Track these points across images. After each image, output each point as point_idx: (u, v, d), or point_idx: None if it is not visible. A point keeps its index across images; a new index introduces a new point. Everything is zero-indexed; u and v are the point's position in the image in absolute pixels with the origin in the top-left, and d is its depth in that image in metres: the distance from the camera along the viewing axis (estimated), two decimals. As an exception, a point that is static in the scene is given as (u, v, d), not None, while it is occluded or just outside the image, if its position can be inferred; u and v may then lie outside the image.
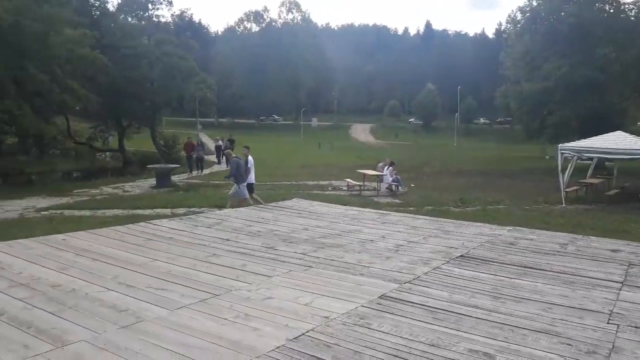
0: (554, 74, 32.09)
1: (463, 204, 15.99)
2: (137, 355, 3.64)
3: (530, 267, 6.40)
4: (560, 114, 33.59)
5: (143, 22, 40.23)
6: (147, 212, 13.03)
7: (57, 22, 22.92)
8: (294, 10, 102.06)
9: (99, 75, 28.48)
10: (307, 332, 4.14)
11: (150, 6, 39.69)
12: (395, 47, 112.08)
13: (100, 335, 3.98)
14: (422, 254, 7.04)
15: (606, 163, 25.90)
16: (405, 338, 4.08)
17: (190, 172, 26.40)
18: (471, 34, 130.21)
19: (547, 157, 40.39)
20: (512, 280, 5.83)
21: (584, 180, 20.83)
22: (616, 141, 17.96)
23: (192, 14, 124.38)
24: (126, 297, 4.94)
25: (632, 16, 35.46)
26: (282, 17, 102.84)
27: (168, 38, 38.46)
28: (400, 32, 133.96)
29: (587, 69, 30.81)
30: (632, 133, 20.90)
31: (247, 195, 12.74)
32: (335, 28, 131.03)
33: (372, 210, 11.96)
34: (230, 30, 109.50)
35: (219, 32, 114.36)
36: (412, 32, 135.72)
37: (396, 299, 5.07)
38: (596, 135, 19.14)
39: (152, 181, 20.93)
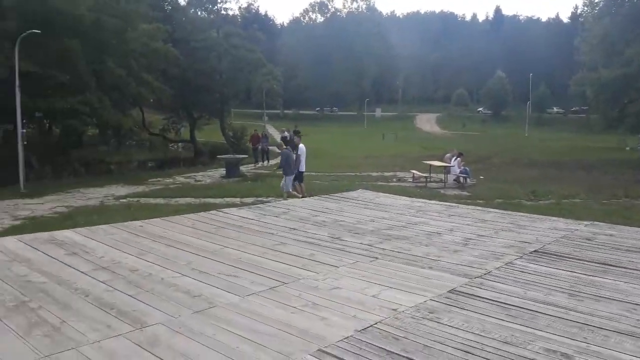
0: (637, 58, 29.90)
1: (535, 197, 15.30)
2: (210, 339, 3.77)
3: (610, 265, 6.04)
4: (643, 102, 31.35)
5: (212, 16, 41.29)
6: (218, 200, 13.40)
7: (134, 18, 24.00)
8: (358, 0, 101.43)
9: (171, 68, 29.58)
10: (376, 323, 4.13)
11: (218, 0, 40.66)
12: (462, 34, 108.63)
13: (175, 319, 4.16)
14: (493, 249, 6.82)
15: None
16: (477, 334, 3.97)
17: (256, 163, 26.93)
18: (544, 18, 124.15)
19: (628, 148, 37.90)
20: (591, 277, 5.53)
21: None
22: None
23: (258, 7, 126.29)
24: (199, 282, 5.13)
25: None
26: (346, 6, 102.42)
27: (236, 31, 39.31)
28: (468, 18, 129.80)
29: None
30: None
31: (290, 189, 12.64)
32: (400, 16, 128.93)
33: (438, 202, 11.73)
34: (295, 22, 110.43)
35: (285, 24, 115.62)
36: (481, 18, 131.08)
37: (466, 293, 4.95)
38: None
39: (222, 171, 21.54)
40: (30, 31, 16.96)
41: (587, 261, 6.20)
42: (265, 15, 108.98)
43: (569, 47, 51.80)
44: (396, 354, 3.59)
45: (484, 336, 3.93)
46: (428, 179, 18.32)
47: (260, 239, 7.18)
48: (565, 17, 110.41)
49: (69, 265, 5.60)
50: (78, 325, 3.94)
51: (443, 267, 5.93)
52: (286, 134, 33.43)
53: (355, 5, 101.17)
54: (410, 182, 19.06)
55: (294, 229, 7.90)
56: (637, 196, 16.28)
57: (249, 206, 10.68)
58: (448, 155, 20.33)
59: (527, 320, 4.28)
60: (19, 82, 16.61)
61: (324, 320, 4.19)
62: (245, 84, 38.97)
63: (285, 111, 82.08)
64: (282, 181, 12.69)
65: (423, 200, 11.90)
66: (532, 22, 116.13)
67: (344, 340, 3.80)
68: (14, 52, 16.86)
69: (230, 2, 50.26)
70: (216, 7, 40.47)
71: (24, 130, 17.31)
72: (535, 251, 6.70)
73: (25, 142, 17.00)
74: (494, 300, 4.74)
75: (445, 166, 19.05)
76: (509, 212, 10.18)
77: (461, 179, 18.57)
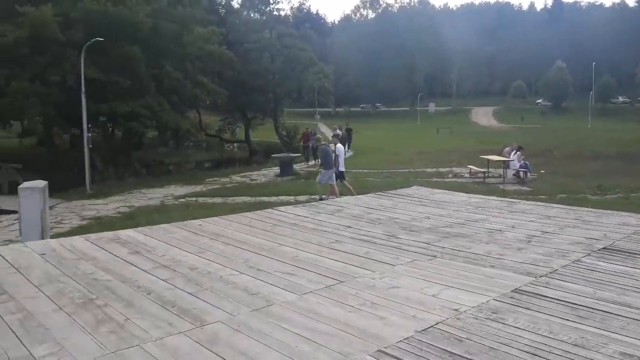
0: None
1: (601, 192, 14.56)
2: (269, 338, 3.77)
3: (691, 264, 5.62)
4: None
5: (264, 17, 41.85)
6: (272, 199, 13.57)
7: (190, 22, 24.71)
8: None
9: (226, 70, 30.24)
10: (436, 324, 4.00)
11: (271, 0, 41.12)
12: (519, 24, 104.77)
13: (234, 317, 4.19)
14: (558, 246, 6.50)
15: None
16: (545, 336, 3.77)
17: (307, 161, 27.07)
18: (607, 4, 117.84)
19: None
20: (670, 277, 5.16)
21: None
22: None
23: (309, 6, 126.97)
24: (257, 280, 5.16)
25: None
26: (398, 1, 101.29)
27: (288, 31, 39.68)
28: (525, 7, 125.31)
29: None
30: None
31: (334, 181, 12.58)
32: (454, 8, 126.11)
33: (498, 198, 11.35)
34: (346, 19, 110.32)
35: (335, 22, 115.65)
36: (539, 7, 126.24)
37: (532, 293, 4.73)
38: None
39: (276, 170, 21.82)
40: (94, 40, 17.76)
41: (664, 259, 5.80)
42: (317, 14, 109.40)
43: (636, 34, 48.91)
44: (459, 355, 3.46)
45: (552, 338, 3.73)
46: (486, 174, 17.79)
47: (316, 236, 7.17)
48: (631, 2, 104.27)
49: (131, 264, 5.78)
50: (141, 322, 4.05)
51: (506, 265, 5.71)
52: (338, 131, 33.36)
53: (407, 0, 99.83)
54: (467, 177, 18.59)
55: (349, 226, 7.84)
56: None
57: (303, 204, 10.71)
58: (507, 149, 19.68)
59: (598, 321, 4.04)
60: (84, 89, 17.43)
61: (383, 320, 4.11)
62: (297, 83, 39.27)
63: (337, 109, 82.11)
64: (319, 175, 12.71)
65: (482, 196, 11.54)
66: (595, 8, 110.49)
67: (404, 341, 3.70)
68: (80, 60, 17.71)
69: (282, 2, 50.90)
70: (268, 8, 41.02)
71: (90, 134, 18.16)
72: (604, 248, 6.33)
73: (90, 146, 17.83)
74: (561, 300, 4.51)
75: (504, 161, 18.45)
76: (574, 208, 9.70)
77: (521, 174, 17.93)
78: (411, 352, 3.51)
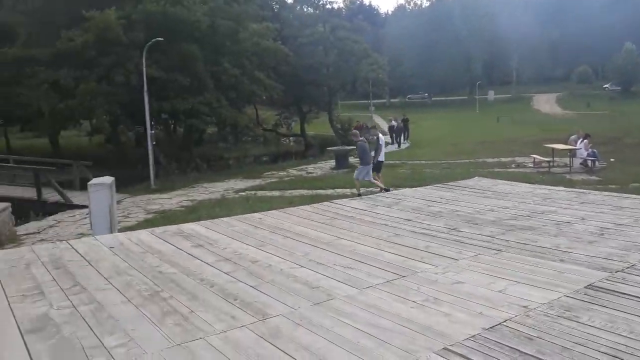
0: None
1: (680, 180, 13.56)
2: (330, 333, 3.74)
3: None
4: None
5: (317, 11, 41.80)
6: (329, 191, 13.54)
7: (245, 19, 25.04)
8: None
9: (281, 65, 30.44)
10: (505, 321, 3.84)
11: (325, -7, 41.05)
12: (583, 7, 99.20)
13: (295, 310, 4.19)
14: (635, 239, 6.10)
15: None
16: (624, 336, 3.54)
17: None
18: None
19: None
20: None
21: None
22: None
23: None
24: (317, 274, 5.15)
25: None
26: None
27: (341, 23, 39.43)
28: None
29: None
30: None
31: (371, 177, 12.30)
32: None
33: (565, 188, 10.81)
34: (400, 9, 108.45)
35: (389, 12, 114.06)
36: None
37: (607, 289, 4.45)
38: None
39: (332, 163, 21.77)
40: (154, 40, 18.34)
41: None
42: (370, 5, 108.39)
43: None
44: (530, 355, 3.30)
45: (633, 339, 3.49)
46: (551, 164, 17.01)
47: (374, 230, 7.08)
48: None
49: (195, 257, 5.92)
50: (205, 315, 4.12)
51: (577, 259, 5.41)
52: (393, 122, 33.10)
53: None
54: (531, 167, 17.84)
55: (408, 219, 7.69)
56: None
57: (361, 197, 10.62)
58: (573, 137, 18.71)
59: (686, 322, 3.74)
60: (146, 87, 18.05)
61: (448, 317, 3.98)
62: (352, 75, 38.99)
63: (392, 100, 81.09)
64: (356, 171, 12.50)
65: (548, 186, 11.04)
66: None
67: (471, 338, 3.57)
68: (142, 60, 18.35)
69: (334, -6, 50.85)
70: (321, 1, 40.93)
71: (153, 132, 18.79)
72: (688, 242, 5.88)
73: (154, 142, 18.45)
74: (642, 298, 4.21)
75: (570, 149, 17.57)
76: (651, 198, 9.09)
77: (589, 163, 17.01)
78: (479, 351, 3.38)
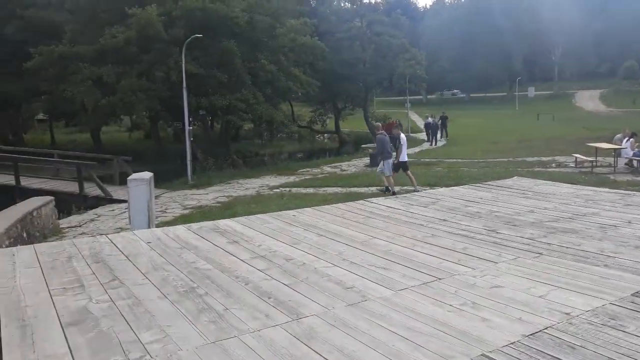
0: None
1: None
2: (365, 335, 3.69)
3: None
4: None
5: (355, 6, 41.55)
6: (363, 190, 13.45)
7: (283, 14, 25.14)
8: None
9: (317, 61, 30.43)
10: (546, 328, 3.70)
11: (362, -12, 40.75)
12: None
13: (329, 311, 4.15)
14: (686, 245, 5.81)
15: None
16: (675, 349, 3.35)
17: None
18: None
19: None
20: None
21: None
22: None
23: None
24: (351, 274, 5.10)
25: None
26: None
27: (379, 18, 39.12)
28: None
29: None
30: None
31: (391, 173, 12.07)
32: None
33: (610, 190, 10.41)
34: (438, 3, 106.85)
35: (427, 7, 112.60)
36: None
37: (656, 298, 4.24)
38: None
39: (366, 160, 21.63)
40: (194, 36, 18.60)
41: None
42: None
43: None
44: (573, 365, 3.17)
45: (685, 352, 3.31)
46: (594, 164, 16.43)
47: (409, 230, 6.98)
48: None
49: (230, 253, 5.96)
50: (240, 313, 4.13)
51: (622, 265, 5.19)
52: (430, 119, 32.66)
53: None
54: (572, 167, 17.28)
55: (444, 220, 7.55)
56: None
57: (396, 195, 10.50)
58: (618, 136, 18.01)
59: None
60: (185, 84, 18.34)
61: (486, 322, 3.87)
62: (389, 71, 38.62)
63: (429, 96, 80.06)
64: (380, 166, 12.28)
65: (591, 187, 10.66)
66: None
67: (510, 345, 3.45)
68: (181, 57, 18.66)
69: (372, -11, 50.43)
70: (358, -4, 40.60)
71: (191, 128, 19.07)
72: None
73: (192, 138, 18.74)
74: (694, 309, 4.00)
75: (615, 148, 16.92)
76: None
77: (635, 163, 16.35)
78: (518, 359, 3.27)
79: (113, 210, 13.42)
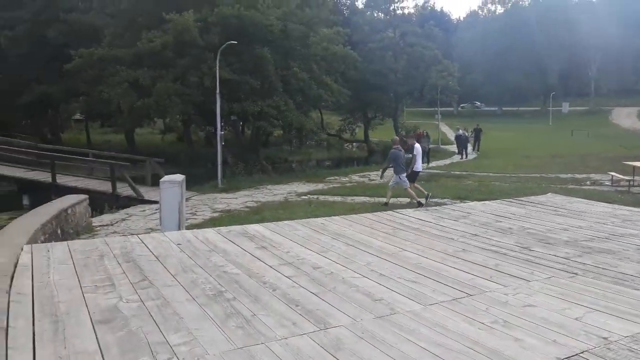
0: None
1: None
2: (393, 349, 3.62)
3: None
4: None
5: (388, 16, 41.59)
6: (391, 200, 13.34)
7: (316, 23, 25.32)
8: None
9: (349, 70, 30.50)
10: (582, 352, 3.57)
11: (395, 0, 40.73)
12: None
13: (357, 322, 4.10)
14: None
15: None
16: None
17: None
18: None
19: None
20: None
21: None
22: None
23: (434, 3, 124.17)
24: (379, 286, 5.04)
25: None
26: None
27: (412, 29, 39.05)
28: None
29: None
30: None
31: (408, 185, 12.11)
32: (594, 0, 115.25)
33: (649, 210, 10.06)
34: (472, 15, 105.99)
35: (461, 18, 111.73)
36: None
37: (700, 327, 4.06)
38: None
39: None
40: (228, 42, 18.87)
41: None
42: (441, 11, 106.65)
43: None
44: (612, 393, 3.04)
45: None
46: (631, 183, 15.95)
47: (440, 243, 6.87)
48: None
49: (258, 259, 5.97)
50: (267, 319, 4.12)
51: (663, 290, 4.98)
52: (460, 132, 32.27)
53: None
54: (608, 185, 16.82)
55: (476, 234, 7.41)
56: None
57: (426, 208, 10.38)
58: (658, 155, 17.47)
59: None
60: (219, 89, 18.59)
61: (518, 342, 3.76)
62: (420, 81, 38.47)
63: (460, 108, 79.24)
64: (392, 180, 12.33)
65: (628, 207, 10.33)
66: None
67: (544, 368, 3.35)
68: (215, 63, 18.94)
69: (406, 0, 50.03)
70: (392, 7, 40.62)
71: (223, 132, 19.30)
72: None
73: (223, 143, 18.97)
74: None
75: (654, 168, 16.41)
76: None
77: (676, 184, 15.81)
78: (553, 383, 3.16)
79: (144, 210, 13.64)
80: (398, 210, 9.88)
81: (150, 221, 11.95)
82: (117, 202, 15.03)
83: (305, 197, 14.96)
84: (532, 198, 11.15)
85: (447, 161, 28.24)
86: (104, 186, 16.30)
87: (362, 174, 22.38)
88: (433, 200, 12.63)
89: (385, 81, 36.06)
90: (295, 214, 10.86)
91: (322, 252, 6.34)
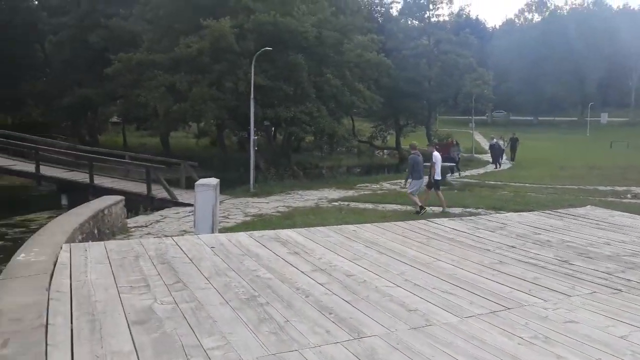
0: None
1: None
2: (429, 361, 3.54)
3: None
4: None
5: (422, 24, 41.33)
6: (438, 209, 13.12)
7: (351, 30, 25.32)
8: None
9: (382, 77, 30.38)
10: (629, 373, 3.42)
11: (431, 6, 40.41)
12: None
13: (392, 333, 4.03)
14: None
15: None
16: None
17: (452, 172, 25.77)
18: None
19: None
20: None
21: None
22: None
23: (469, 11, 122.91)
24: (414, 296, 4.94)
25: None
26: (569, 3, 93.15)
27: (447, 36, 38.63)
28: None
29: None
30: None
31: (414, 192, 12.01)
32: (635, 8, 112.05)
33: (696, 226, 9.63)
34: (508, 23, 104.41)
35: (496, 27, 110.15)
36: None
37: None
38: None
39: (426, 179, 21.25)
40: (263, 49, 19.04)
41: None
42: (476, 19, 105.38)
43: None
44: (662, 418, 2.89)
45: None
46: (676, 197, 15.35)
47: (475, 254, 6.72)
48: None
49: (291, 264, 5.95)
50: (300, 326, 4.08)
51: None
52: (495, 141, 31.67)
53: (579, 0, 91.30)
54: (651, 199, 16.22)
55: (513, 246, 7.22)
56: None
57: (460, 217, 10.19)
58: None
59: None
60: (253, 95, 18.75)
61: (560, 359, 3.62)
62: (454, 89, 38.00)
63: (494, 117, 78.01)
64: (410, 187, 12.23)
65: (674, 223, 9.91)
66: None
67: (589, 388, 3.21)
68: (250, 68, 19.13)
69: (441, 8, 49.40)
70: (427, 14, 40.33)
71: (256, 137, 19.46)
72: None
73: (256, 148, 19.11)
74: None
75: (701, 182, 15.74)
76: None
77: None
78: (599, 404, 3.03)
79: (178, 213, 13.83)
80: (431, 219, 9.73)
81: (184, 223, 12.10)
82: (152, 204, 15.28)
83: (336, 203, 14.92)
84: (571, 210, 10.83)
85: (481, 170, 27.76)
86: (139, 188, 16.60)
87: (393, 181, 22.17)
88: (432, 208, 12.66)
89: (418, 88, 35.78)
90: (326, 220, 10.82)
91: (354, 259, 6.28)
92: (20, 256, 5.47)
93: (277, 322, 4.16)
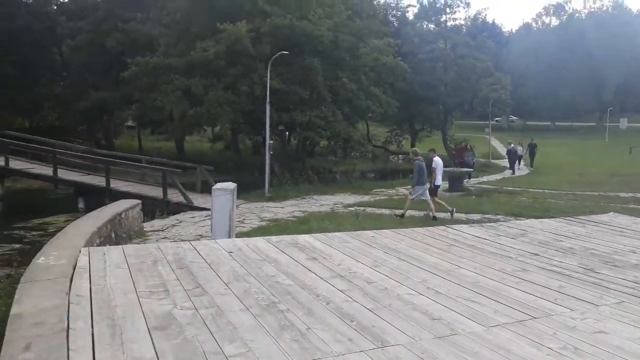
0: None
1: None
2: (456, 372, 3.44)
3: None
4: None
5: (439, 28, 41.07)
6: (442, 215, 12.99)
7: (367, 34, 25.24)
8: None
9: (397, 82, 30.22)
10: (666, 388, 3.29)
11: (447, 10, 40.17)
12: None
13: (416, 342, 3.93)
14: None
15: None
16: None
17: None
18: None
19: None
20: None
21: None
22: None
23: (485, 15, 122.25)
24: (437, 304, 4.84)
25: None
26: (587, 7, 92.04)
27: (463, 40, 38.31)
28: None
29: None
30: None
31: (428, 197, 11.89)
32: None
33: None
34: (525, 27, 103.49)
35: (513, 31, 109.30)
36: None
37: None
38: None
39: (444, 184, 21.04)
40: (279, 53, 19.05)
41: None
42: (493, 23, 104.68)
43: None
44: None
45: None
46: (701, 205, 15.00)
47: (498, 262, 6.59)
48: None
49: (310, 270, 5.88)
50: (322, 334, 4.01)
51: None
52: (512, 146, 31.31)
53: (598, 4, 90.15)
54: (674, 206, 15.86)
55: (536, 254, 7.08)
56: None
57: (481, 224, 10.04)
58: None
59: None
60: (269, 99, 18.75)
61: (592, 372, 3.50)
62: (471, 94, 37.66)
63: (510, 122, 77.32)
64: (414, 192, 12.09)
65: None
66: None
67: (625, 403, 3.09)
68: (266, 72, 19.14)
69: (458, 12, 49.04)
70: (444, 17, 40.09)
71: (271, 142, 19.44)
72: None
73: (271, 152, 19.09)
74: None
75: None
76: None
77: None
78: (636, 421, 2.90)
79: (194, 217, 13.84)
80: (451, 225, 9.59)
81: (200, 228, 12.09)
82: (168, 208, 15.32)
83: (352, 208, 14.82)
84: (594, 217, 10.63)
85: (499, 176, 27.48)
86: (155, 192, 16.65)
87: (408, 186, 21.91)
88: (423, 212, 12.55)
89: (434, 93, 35.54)
90: (342, 226, 10.74)
91: (374, 266, 6.19)
92: (40, 259, 5.48)
93: (298, 329, 4.09)
